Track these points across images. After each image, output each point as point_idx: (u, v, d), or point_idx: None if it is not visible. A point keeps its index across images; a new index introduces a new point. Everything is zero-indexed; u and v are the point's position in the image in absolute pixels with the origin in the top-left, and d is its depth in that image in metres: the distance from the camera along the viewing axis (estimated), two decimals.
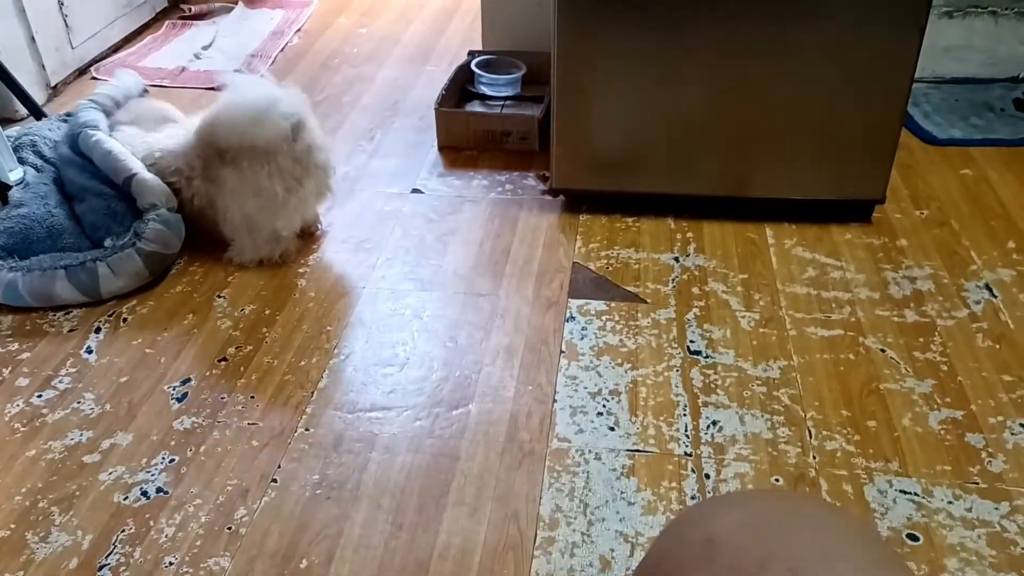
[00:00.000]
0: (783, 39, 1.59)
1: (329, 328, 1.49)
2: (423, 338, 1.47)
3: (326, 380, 1.38)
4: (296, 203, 1.62)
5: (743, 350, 1.42)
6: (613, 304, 1.54)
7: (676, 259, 1.66)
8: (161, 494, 1.17)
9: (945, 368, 1.38)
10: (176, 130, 1.72)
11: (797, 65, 1.61)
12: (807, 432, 1.26)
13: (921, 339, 1.44)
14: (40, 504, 1.16)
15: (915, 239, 1.70)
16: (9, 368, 1.39)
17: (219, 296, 1.57)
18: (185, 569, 1.07)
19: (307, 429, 1.28)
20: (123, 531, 1.12)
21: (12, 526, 1.12)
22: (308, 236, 1.75)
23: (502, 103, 2.19)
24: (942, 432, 1.26)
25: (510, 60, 2.23)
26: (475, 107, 2.18)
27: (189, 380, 1.37)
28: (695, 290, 1.57)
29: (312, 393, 1.35)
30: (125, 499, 1.16)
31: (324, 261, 1.67)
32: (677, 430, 1.27)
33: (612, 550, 1.09)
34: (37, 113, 2.07)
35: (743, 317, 1.50)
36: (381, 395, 1.35)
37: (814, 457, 1.22)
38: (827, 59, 1.60)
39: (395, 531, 1.13)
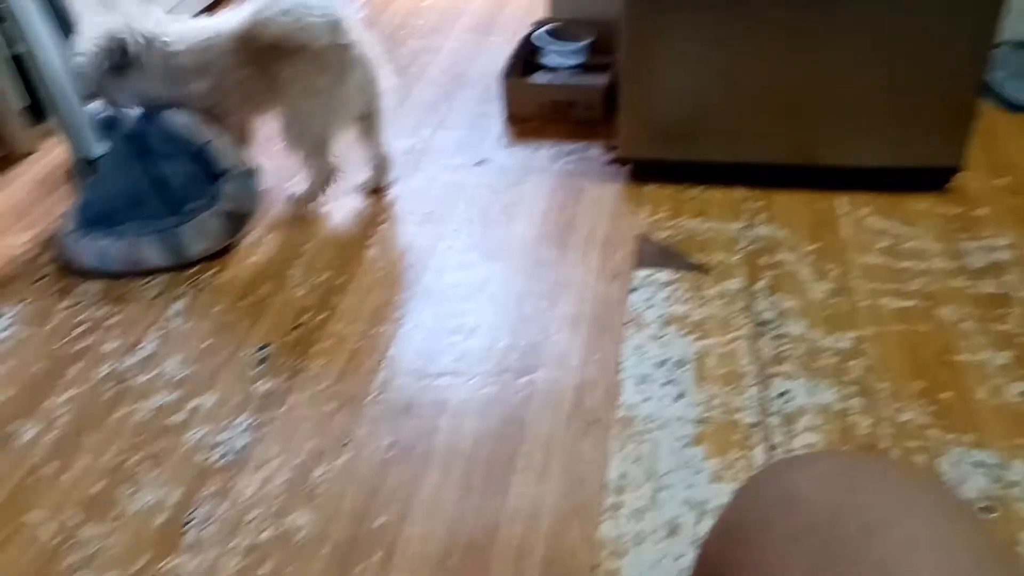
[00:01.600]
0: None
1: (397, 297, 1.52)
2: (489, 307, 1.49)
3: (396, 348, 1.41)
4: (342, 96, 1.65)
5: (814, 321, 1.41)
6: (680, 274, 1.53)
7: (744, 229, 1.64)
8: (243, 454, 1.22)
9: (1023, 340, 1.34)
10: (225, 18, 1.71)
11: (870, 27, 1.56)
12: (879, 403, 1.25)
13: (999, 311, 1.40)
14: (129, 462, 1.22)
15: (993, 208, 1.65)
16: (99, 332, 1.46)
17: (293, 265, 1.62)
18: (266, 525, 1.12)
19: (379, 394, 1.32)
20: (208, 488, 1.17)
21: (103, 482, 1.19)
22: (376, 194, 1.79)
23: (567, 73, 2.18)
24: (1021, 404, 1.23)
25: (575, 29, 2.21)
26: (540, 77, 2.18)
27: (267, 345, 1.42)
28: (764, 260, 1.56)
29: (382, 360, 1.39)
30: (209, 458, 1.22)
31: (392, 232, 1.70)
32: (745, 400, 1.27)
33: (679, 516, 1.10)
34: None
35: (814, 287, 1.48)
36: (449, 362, 1.38)
37: (886, 429, 1.21)
38: (902, 20, 1.55)
39: (465, 494, 1.16)
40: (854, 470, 0.43)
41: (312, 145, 1.71)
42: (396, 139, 2.03)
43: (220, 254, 1.64)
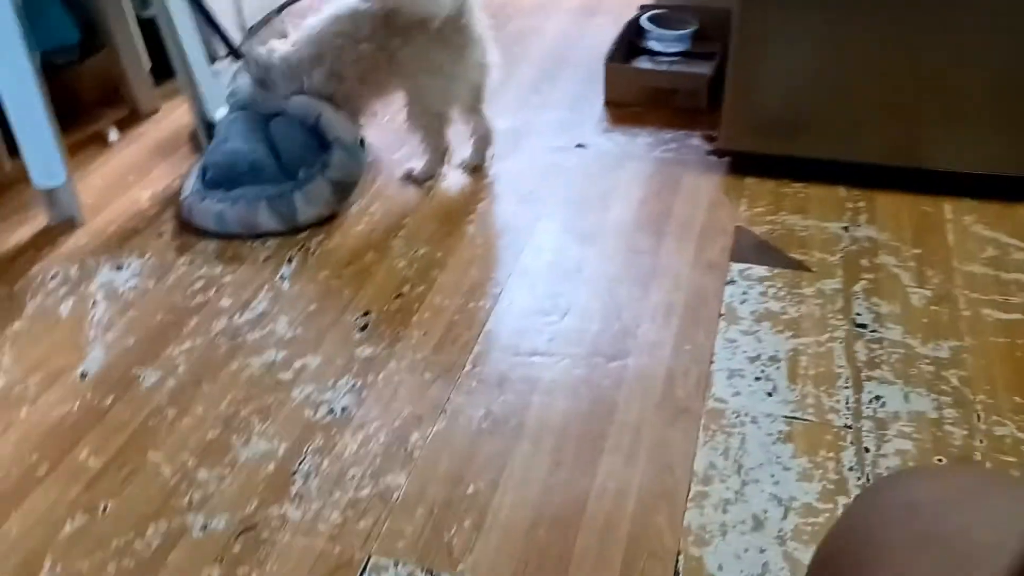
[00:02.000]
0: None
1: (495, 274, 1.57)
2: (583, 290, 1.52)
3: (492, 323, 1.46)
4: (461, 74, 1.70)
5: (912, 327, 1.39)
6: (776, 270, 1.53)
7: (845, 228, 1.63)
8: (345, 413, 1.29)
9: None
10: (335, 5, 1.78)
11: (983, 25, 1.52)
12: (975, 415, 1.24)
13: None
14: (242, 412, 1.30)
15: None
16: (214, 289, 1.55)
17: (395, 237, 1.68)
18: (366, 482, 1.18)
19: (474, 367, 1.37)
20: (313, 443, 1.25)
21: (219, 430, 1.27)
22: (476, 171, 1.84)
23: (670, 59, 2.18)
24: None
25: (681, 15, 2.21)
26: (643, 63, 2.18)
27: (369, 312, 1.48)
28: (864, 262, 1.54)
29: (479, 335, 1.43)
30: (314, 414, 1.29)
31: (491, 210, 1.75)
32: (838, 401, 1.27)
33: (765, 511, 1.12)
34: (236, 54, 2.23)
35: (914, 293, 1.46)
36: (543, 342, 1.42)
37: (981, 441, 1.20)
38: (1019, 16, 1.50)
39: (554, 469, 1.20)
40: (982, 485, 0.45)
41: (431, 123, 1.76)
42: (497, 118, 2.07)
43: (327, 222, 1.72)
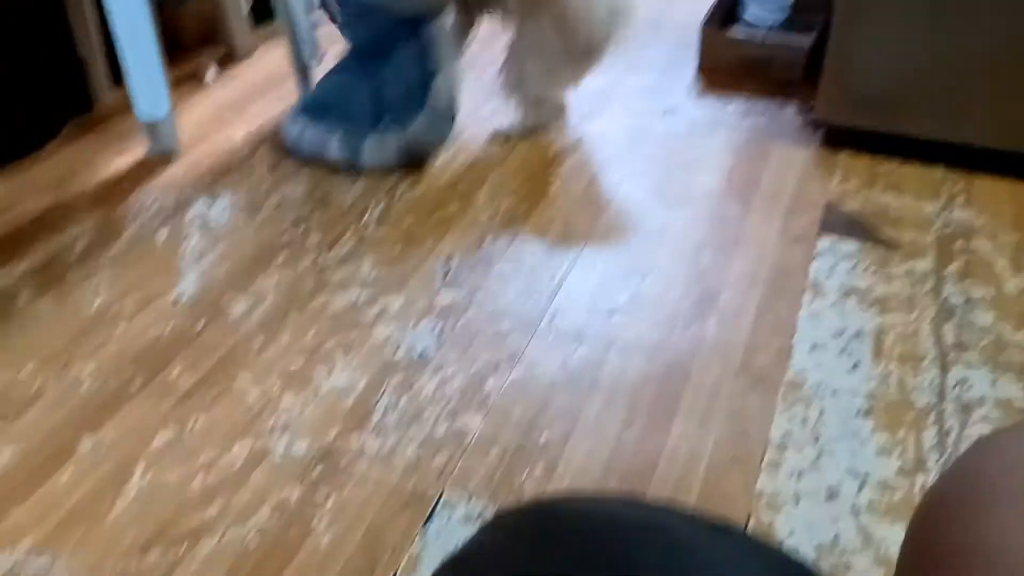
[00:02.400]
0: None
1: (577, 232, 1.57)
2: (665, 254, 1.51)
3: (571, 279, 1.46)
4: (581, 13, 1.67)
5: (1005, 313, 1.35)
6: (867, 246, 1.50)
7: (941, 210, 1.58)
8: (424, 355, 1.32)
9: None
10: None
11: None
12: None
13: None
14: (326, 345, 1.34)
15: None
16: (302, 227, 1.59)
17: (480, 189, 1.69)
18: (442, 422, 1.21)
19: (552, 321, 1.38)
20: (392, 380, 1.28)
21: (303, 360, 1.31)
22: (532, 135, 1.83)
23: (767, 29, 2.13)
24: None
25: None
26: (739, 31, 2.14)
27: (451, 260, 1.50)
28: (958, 245, 1.50)
29: (558, 289, 1.44)
30: (394, 353, 1.32)
31: (576, 170, 1.74)
32: (922, 381, 1.25)
33: (840, 483, 1.11)
34: None
35: (1010, 280, 1.42)
36: (622, 301, 1.42)
37: None
38: None
39: (626, 427, 1.21)
40: None
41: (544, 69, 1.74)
42: (586, 79, 2.06)
43: (414, 170, 1.74)
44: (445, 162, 1.77)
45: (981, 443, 0.48)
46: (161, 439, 1.19)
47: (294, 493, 1.12)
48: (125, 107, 1.82)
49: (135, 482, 1.14)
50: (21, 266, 1.50)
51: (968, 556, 0.41)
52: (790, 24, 2.12)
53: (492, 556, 0.37)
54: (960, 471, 0.47)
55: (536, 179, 1.72)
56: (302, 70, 1.91)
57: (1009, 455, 0.44)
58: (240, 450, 1.17)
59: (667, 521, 0.36)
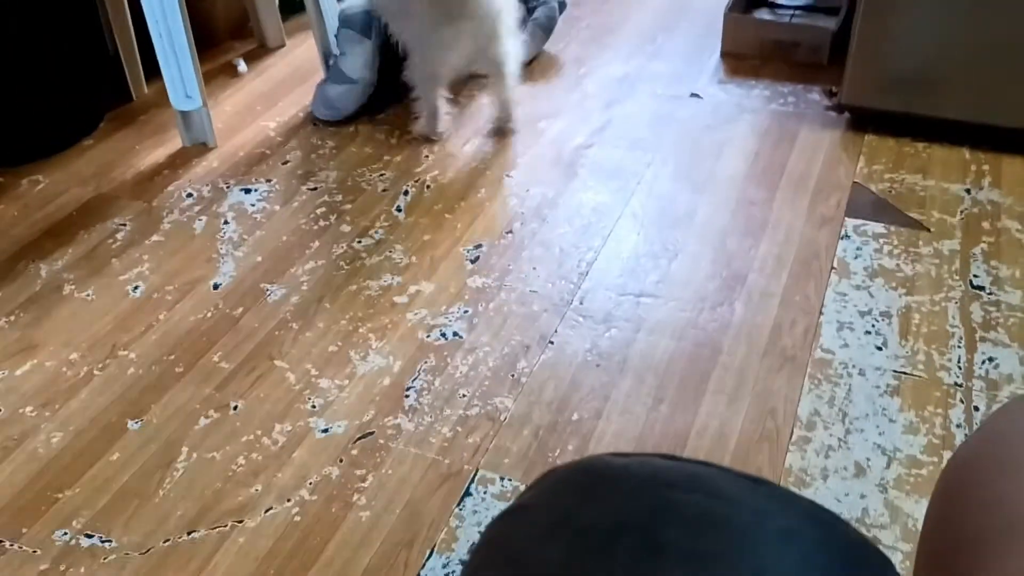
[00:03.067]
0: None
1: (604, 215, 1.59)
2: (692, 237, 1.53)
3: (600, 262, 1.49)
4: (451, 40, 1.69)
5: None
6: (893, 228, 1.51)
7: (968, 191, 1.59)
8: (457, 338, 1.35)
9: None
10: None
11: None
12: None
13: None
14: (360, 330, 1.37)
15: None
16: (335, 215, 1.63)
17: (508, 175, 1.72)
18: (475, 402, 1.24)
19: (581, 303, 1.41)
20: (425, 362, 1.31)
21: (339, 344, 1.35)
22: (501, 136, 1.84)
23: (792, 12, 2.13)
24: None
25: None
26: (764, 15, 2.14)
27: (481, 246, 1.53)
28: (985, 225, 1.50)
29: (587, 272, 1.47)
30: (427, 336, 1.35)
31: (603, 155, 1.76)
32: (949, 360, 1.26)
33: (868, 459, 1.13)
34: None
35: None
36: (650, 283, 1.44)
37: None
38: None
39: (656, 404, 1.23)
40: None
41: (422, 82, 1.80)
42: (611, 64, 2.08)
43: (444, 157, 1.77)
44: (473, 150, 1.80)
45: (1006, 408, 0.50)
46: (205, 422, 1.24)
47: (334, 471, 1.15)
48: (162, 100, 1.86)
49: (181, 462, 1.18)
50: (66, 256, 1.55)
51: (991, 516, 0.43)
52: (814, 8, 2.12)
53: (543, 508, 0.40)
54: (985, 435, 0.49)
55: (564, 164, 1.74)
56: (329, 60, 1.94)
57: None
58: (281, 431, 1.21)
59: (706, 474, 0.39)
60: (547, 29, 2.09)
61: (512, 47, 1.76)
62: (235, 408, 1.25)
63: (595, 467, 0.41)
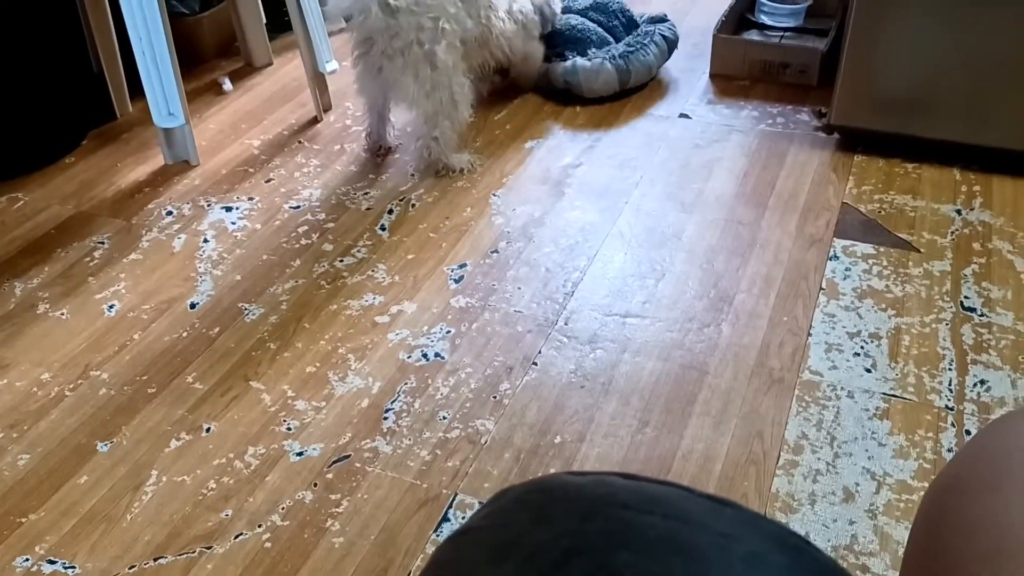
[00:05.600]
0: None
1: (592, 235, 1.57)
2: (680, 256, 1.51)
3: (586, 282, 1.46)
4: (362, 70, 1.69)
5: None
6: (882, 249, 1.49)
7: (958, 212, 1.57)
8: (438, 358, 1.32)
9: None
10: None
11: None
12: None
13: None
14: (340, 350, 1.34)
15: None
16: (317, 234, 1.60)
17: (494, 195, 1.69)
18: (456, 424, 1.21)
19: (566, 323, 1.38)
20: (406, 384, 1.28)
21: (317, 364, 1.32)
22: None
23: (781, 34, 2.12)
24: None
25: None
26: (753, 36, 2.13)
27: (465, 265, 1.51)
28: (976, 246, 1.48)
29: (573, 292, 1.44)
30: (408, 357, 1.32)
31: (591, 174, 1.74)
32: (940, 383, 1.23)
33: (857, 484, 1.10)
34: None
35: None
36: (636, 303, 1.41)
37: None
38: None
39: (641, 427, 1.20)
40: None
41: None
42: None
43: (429, 176, 1.75)
44: (460, 168, 1.78)
45: (991, 427, 0.48)
46: (176, 444, 1.20)
47: (308, 495, 1.12)
48: (146, 118, 1.84)
49: (150, 486, 1.14)
50: (42, 274, 1.52)
51: (973, 541, 0.40)
52: (803, 30, 2.11)
53: (493, 529, 0.37)
54: (970, 453, 0.46)
55: (551, 183, 1.72)
56: (317, 79, 1.92)
57: (1018, 438, 0.44)
58: (254, 454, 1.18)
59: (666, 494, 0.36)
60: (666, 50, 2.04)
61: (434, 87, 1.65)
62: (208, 430, 1.22)
63: (549, 486, 0.38)
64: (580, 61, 1.95)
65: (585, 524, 0.34)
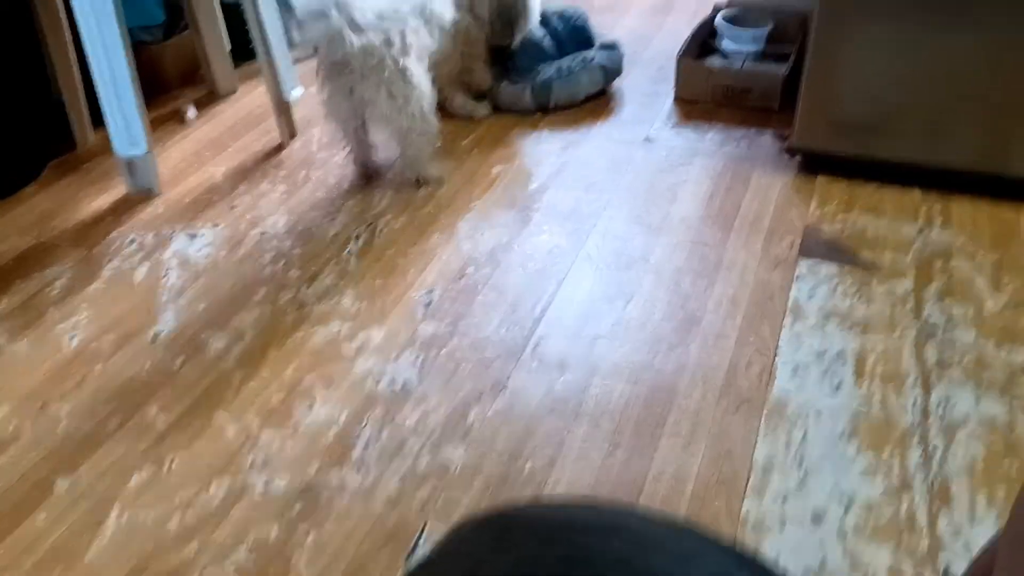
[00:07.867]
0: None
1: (559, 259, 1.57)
2: (647, 279, 1.51)
3: (555, 306, 1.46)
4: (334, 93, 1.69)
5: (986, 331, 1.35)
6: (846, 268, 1.51)
7: (919, 231, 1.59)
8: (406, 386, 1.31)
9: None
10: None
11: None
12: None
13: None
14: (305, 380, 1.32)
15: None
16: (283, 262, 1.59)
17: (462, 219, 1.69)
18: (424, 453, 1.20)
19: (535, 348, 1.37)
20: (373, 412, 1.26)
21: (283, 394, 1.30)
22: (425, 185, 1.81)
23: (743, 58, 2.15)
24: None
25: (754, 16, 2.18)
26: (715, 62, 2.16)
27: (433, 291, 1.50)
28: (938, 264, 1.51)
29: (541, 316, 1.44)
30: (376, 385, 1.31)
31: (558, 198, 1.75)
32: (905, 401, 1.24)
33: (826, 506, 1.10)
34: None
35: (989, 298, 1.42)
36: (605, 326, 1.41)
37: None
38: None
39: (612, 450, 1.20)
40: None
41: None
42: (566, 109, 2.08)
43: (396, 202, 1.74)
44: (426, 195, 1.78)
45: None
46: (138, 479, 1.17)
47: (273, 530, 1.10)
48: (108, 147, 1.82)
49: (112, 522, 1.11)
50: (0, 305, 1.49)
51: None
52: (765, 55, 2.15)
53: (453, 557, 0.36)
54: None
55: (518, 208, 1.72)
56: (282, 106, 1.92)
57: None
58: (218, 488, 1.15)
59: (625, 521, 0.36)
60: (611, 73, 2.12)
61: (406, 101, 1.67)
62: (170, 465, 1.19)
63: (508, 515, 0.38)
64: (505, 84, 2.07)
65: (545, 549, 0.34)
